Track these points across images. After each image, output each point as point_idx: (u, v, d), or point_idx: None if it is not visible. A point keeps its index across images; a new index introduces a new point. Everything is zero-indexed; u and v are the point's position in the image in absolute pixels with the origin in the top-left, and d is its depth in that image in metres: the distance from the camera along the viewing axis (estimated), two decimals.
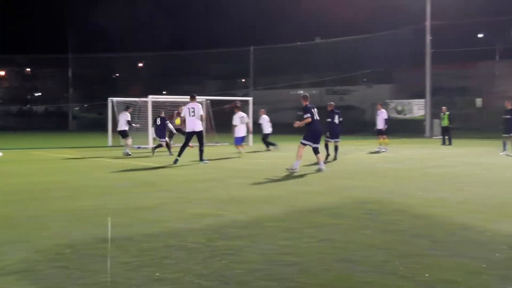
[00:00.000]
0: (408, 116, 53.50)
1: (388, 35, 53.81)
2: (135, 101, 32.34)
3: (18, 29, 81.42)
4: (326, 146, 21.28)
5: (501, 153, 23.09)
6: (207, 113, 34.11)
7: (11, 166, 19.21)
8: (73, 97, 75.66)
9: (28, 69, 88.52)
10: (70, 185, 13.27)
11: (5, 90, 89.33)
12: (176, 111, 28.06)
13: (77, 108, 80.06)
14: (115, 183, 13.81)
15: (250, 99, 34.17)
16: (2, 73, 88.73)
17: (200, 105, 19.69)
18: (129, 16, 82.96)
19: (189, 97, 19.92)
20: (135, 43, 78.48)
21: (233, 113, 24.90)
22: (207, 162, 19.22)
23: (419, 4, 47.98)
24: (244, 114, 24.02)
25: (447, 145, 32.20)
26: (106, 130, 34.68)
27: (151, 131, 27.43)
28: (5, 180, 14.65)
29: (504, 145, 23.46)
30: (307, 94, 17.05)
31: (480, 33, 60.02)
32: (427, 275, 5.74)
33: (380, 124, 26.12)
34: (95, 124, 66.78)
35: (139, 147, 27.88)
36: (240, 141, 23.65)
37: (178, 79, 72.26)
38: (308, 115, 16.17)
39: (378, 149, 25.54)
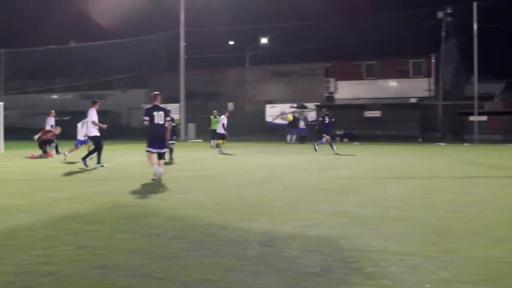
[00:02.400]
0: None
1: (144, 40, 54.10)
2: None
3: None
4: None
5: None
6: None
7: None
8: None
9: None
10: None
11: None
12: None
13: None
14: None
15: (1, 104, 32.30)
16: None
17: (94, 110, 19.19)
18: None
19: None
20: None
21: None
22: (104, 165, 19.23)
23: (174, 10, 48.90)
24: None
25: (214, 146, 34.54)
26: None
27: None
28: None
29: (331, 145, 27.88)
30: (157, 93, 15.56)
31: (231, 40, 62.65)
32: (184, 275, 5.85)
33: None
34: None
35: None
36: (80, 143, 23.38)
37: None
38: (146, 118, 15.09)
39: None
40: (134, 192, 12.61)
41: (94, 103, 19.62)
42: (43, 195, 12.17)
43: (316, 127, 29.72)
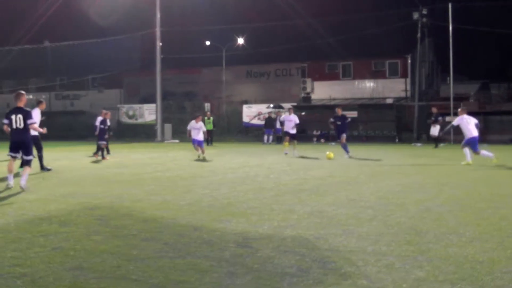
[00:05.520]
0: (139, 121, 54.00)
1: (119, 40, 53.78)
2: None
3: None
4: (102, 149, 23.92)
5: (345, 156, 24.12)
6: None
7: None
8: None
9: None
10: None
11: None
12: None
13: None
14: None
15: None
16: None
17: (39, 111, 18.21)
18: None
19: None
20: None
21: None
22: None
23: (149, 10, 48.69)
24: None
25: (210, 145, 35.54)
26: None
27: None
28: None
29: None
30: (20, 92, 13.62)
31: (207, 40, 62.44)
32: (160, 277, 5.81)
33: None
34: None
35: None
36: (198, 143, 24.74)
37: None
38: (6, 121, 13.33)
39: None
40: (107, 194, 12.49)
41: (39, 103, 18.70)
42: (16, 197, 12.01)
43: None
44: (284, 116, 29.43)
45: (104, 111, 25.54)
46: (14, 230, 8.29)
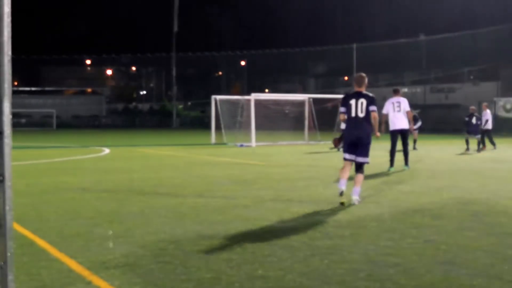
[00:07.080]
0: None
1: (494, 31, 52.00)
2: (237, 99, 32.99)
3: (124, 29, 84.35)
4: None
5: None
6: (310, 111, 34.08)
7: (117, 163, 19.78)
8: (177, 95, 77.50)
9: (133, 68, 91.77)
10: (172, 182, 13.54)
11: (111, 89, 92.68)
12: None
13: (181, 106, 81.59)
14: (215, 180, 13.95)
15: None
16: (109, 72, 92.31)
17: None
18: (231, 15, 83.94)
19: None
20: (236, 41, 79.44)
21: (336, 111, 24.68)
22: None
23: None
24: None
25: None
26: (209, 127, 35.34)
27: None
28: (111, 176, 15.12)
29: None
30: (362, 75, 10.82)
31: None
32: None
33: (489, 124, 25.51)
34: (198, 122, 68.15)
35: (241, 145, 28.24)
36: None
37: (279, 77, 72.67)
38: (342, 110, 10.57)
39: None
40: (481, 189, 12.17)
41: (397, 91, 16.86)
42: (391, 188, 12.33)
43: None
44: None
45: (473, 107, 25.84)
46: (388, 220, 8.55)
